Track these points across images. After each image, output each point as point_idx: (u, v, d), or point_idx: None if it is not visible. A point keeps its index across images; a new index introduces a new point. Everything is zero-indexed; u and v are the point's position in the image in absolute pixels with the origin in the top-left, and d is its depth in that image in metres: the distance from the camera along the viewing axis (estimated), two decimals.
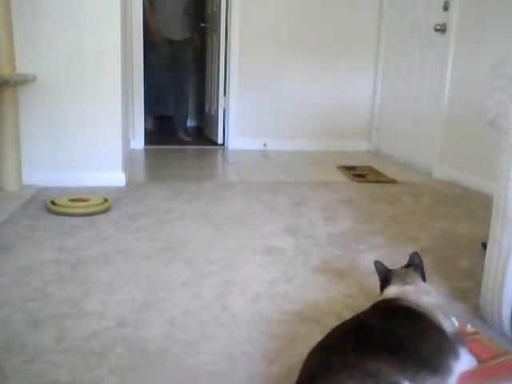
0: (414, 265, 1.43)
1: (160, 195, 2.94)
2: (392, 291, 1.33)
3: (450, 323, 1.23)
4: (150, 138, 4.94)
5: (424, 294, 1.29)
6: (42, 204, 2.59)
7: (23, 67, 2.82)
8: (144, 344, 1.36)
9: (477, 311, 1.59)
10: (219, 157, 4.58)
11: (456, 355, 1.14)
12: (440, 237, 2.38)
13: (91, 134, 3.01)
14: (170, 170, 3.79)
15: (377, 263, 1.46)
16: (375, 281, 1.48)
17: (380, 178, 3.65)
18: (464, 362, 1.17)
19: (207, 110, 5.50)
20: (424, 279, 1.41)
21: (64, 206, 2.49)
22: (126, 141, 3.52)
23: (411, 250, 2.14)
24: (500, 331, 1.47)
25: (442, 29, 3.75)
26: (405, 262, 1.50)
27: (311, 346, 1.12)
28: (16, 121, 2.80)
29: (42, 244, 2.07)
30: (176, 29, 4.97)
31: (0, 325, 1.43)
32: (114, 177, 3.08)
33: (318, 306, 1.62)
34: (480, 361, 1.25)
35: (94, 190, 2.87)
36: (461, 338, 1.25)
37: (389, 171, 3.88)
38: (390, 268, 1.45)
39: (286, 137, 4.84)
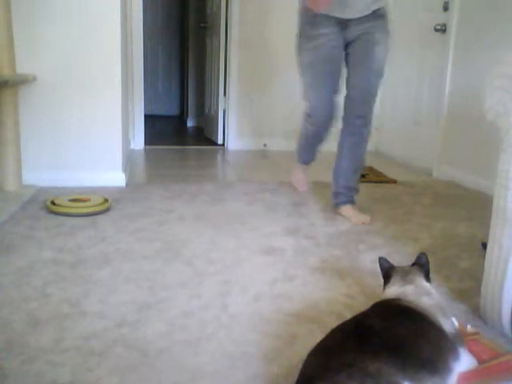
0: (420, 264, 1.42)
1: (160, 195, 2.94)
2: (392, 291, 1.33)
3: (449, 323, 1.23)
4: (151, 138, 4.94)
5: (424, 295, 1.29)
6: (42, 204, 2.59)
7: (23, 67, 2.82)
8: (144, 344, 1.36)
9: (477, 311, 1.59)
10: (219, 157, 4.58)
11: (456, 355, 1.14)
12: (440, 237, 2.38)
13: (91, 133, 3.01)
14: (170, 170, 3.79)
15: (381, 259, 1.45)
16: (375, 281, 1.48)
17: (380, 178, 3.64)
18: (464, 362, 1.17)
19: (207, 110, 5.51)
20: (428, 280, 1.40)
21: (64, 206, 2.49)
22: (125, 141, 3.52)
23: (411, 250, 2.15)
24: (500, 331, 1.47)
25: (441, 29, 3.75)
26: (405, 263, 1.50)
27: (311, 346, 1.12)
28: (16, 121, 2.80)
29: (42, 244, 2.07)
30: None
31: (0, 325, 1.43)
32: (114, 177, 3.08)
33: (318, 306, 1.62)
34: (480, 361, 1.25)
35: (94, 190, 2.87)
36: (461, 338, 1.24)
37: (389, 171, 3.87)
38: (394, 265, 1.44)
39: (286, 137, 4.84)
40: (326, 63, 2.44)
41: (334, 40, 2.39)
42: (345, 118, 2.57)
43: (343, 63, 2.50)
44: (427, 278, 1.40)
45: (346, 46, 2.44)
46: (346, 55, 2.47)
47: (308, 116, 2.60)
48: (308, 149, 2.82)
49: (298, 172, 3.01)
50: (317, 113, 2.55)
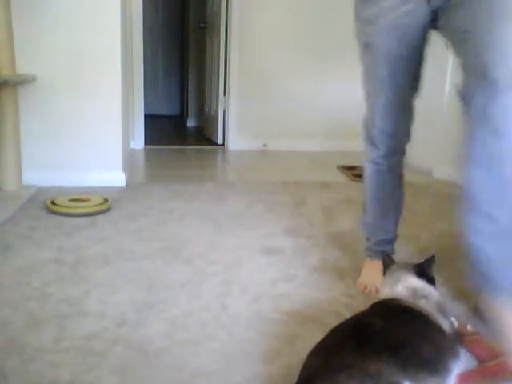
0: (422, 263, 1.42)
1: (160, 195, 2.94)
2: (387, 291, 1.33)
3: (449, 323, 1.23)
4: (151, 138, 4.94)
5: (421, 296, 1.28)
6: (42, 204, 2.59)
7: (23, 67, 2.82)
8: (144, 344, 1.36)
9: (477, 311, 1.59)
10: (219, 157, 4.58)
11: (456, 355, 1.14)
12: (440, 237, 2.38)
13: (91, 133, 3.01)
14: (170, 170, 3.79)
15: (384, 257, 1.45)
16: None
17: None
18: (464, 362, 1.17)
19: (207, 110, 5.50)
20: (430, 279, 1.40)
21: (64, 206, 2.49)
22: (125, 141, 3.52)
23: (411, 249, 2.15)
24: None
25: None
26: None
27: (311, 346, 1.12)
28: (16, 121, 2.80)
29: (42, 244, 2.07)
30: None
31: (0, 325, 1.43)
32: (114, 177, 3.08)
33: (318, 305, 1.62)
34: (480, 361, 1.25)
35: (94, 190, 2.87)
36: (460, 338, 1.24)
37: None
38: (394, 263, 1.44)
39: (286, 137, 4.84)
40: (393, 41, 1.51)
41: (410, 7, 1.45)
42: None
43: (427, 46, 1.63)
44: (428, 276, 1.40)
45: (434, 18, 1.52)
46: (443, 30, 1.53)
47: (365, 138, 1.76)
48: (375, 207, 1.84)
49: (368, 267, 1.81)
50: (375, 125, 1.68)
